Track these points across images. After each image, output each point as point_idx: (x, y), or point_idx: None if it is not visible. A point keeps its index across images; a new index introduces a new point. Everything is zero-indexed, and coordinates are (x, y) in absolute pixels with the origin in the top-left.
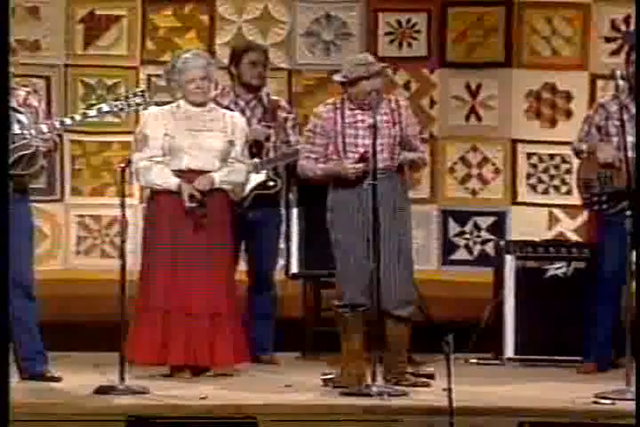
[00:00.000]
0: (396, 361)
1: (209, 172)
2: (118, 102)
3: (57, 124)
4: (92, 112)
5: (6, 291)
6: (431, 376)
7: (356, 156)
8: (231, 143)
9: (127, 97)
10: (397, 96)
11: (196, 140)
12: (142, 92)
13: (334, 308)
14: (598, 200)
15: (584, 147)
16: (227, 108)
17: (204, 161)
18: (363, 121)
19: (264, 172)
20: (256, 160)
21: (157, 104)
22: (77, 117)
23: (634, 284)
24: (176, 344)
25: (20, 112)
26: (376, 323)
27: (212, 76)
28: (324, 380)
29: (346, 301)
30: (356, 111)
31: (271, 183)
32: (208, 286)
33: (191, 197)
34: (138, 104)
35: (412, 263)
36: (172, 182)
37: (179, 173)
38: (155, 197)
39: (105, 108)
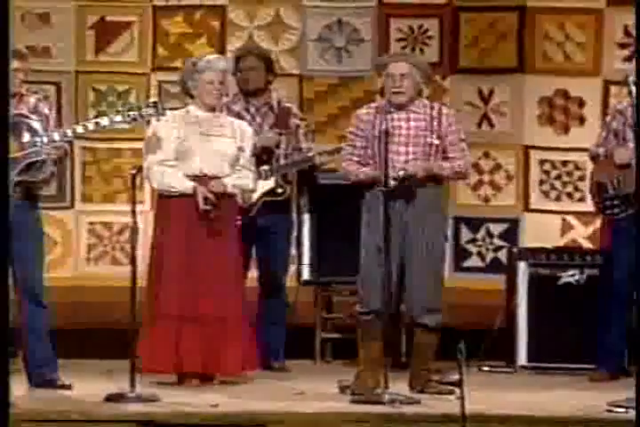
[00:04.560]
0: (420, 369)
1: (219, 177)
2: (131, 113)
3: (69, 133)
4: (105, 121)
5: (6, 293)
6: (456, 384)
7: (399, 171)
8: (240, 149)
9: (140, 107)
10: (442, 103)
11: (207, 144)
12: (155, 102)
13: (356, 314)
14: (611, 204)
15: (601, 151)
16: (238, 114)
17: (216, 166)
18: (400, 127)
19: (273, 178)
20: (265, 168)
21: (171, 110)
22: (90, 126)
23: None
24: (191, 351)
25: (32, 119)
26: (392, 330)
27: (227, 82)
28: (341, 387)
29: (368, 307)
30: (395, 116)
31: (280, 190)
32: (222, 290)
33: (205, 199)
34: (151, 115)
35: (441, 271)
36: (188, 185)
37: (191, 177)
38: (165, 201)
39: (118, 117)
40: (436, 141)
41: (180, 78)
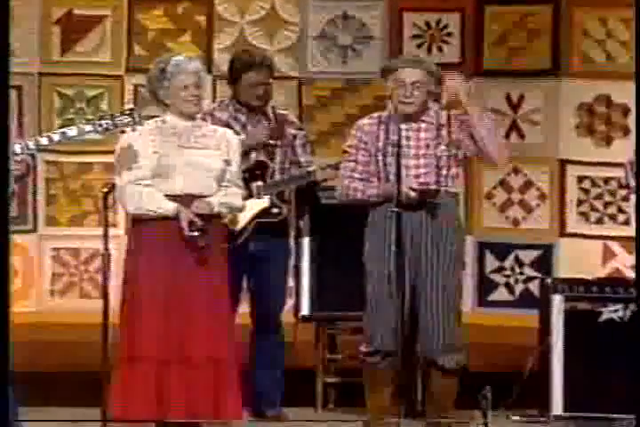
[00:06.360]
0: (437, 418)
1: (205, 196)
2: (103, 122)
3: (31, 145)
4: (73, 132)
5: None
6: None
7: (414, 184)
8: (227, 162)
9: (113, 116)
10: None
11: (190, 158)
12: (131, 110)
13: (361, 355)
14: None
15: (632, 182)
16: (226, 124)
17: (201, 183)
18: (408, 138)
19: (267, 197)
20: (258, 184)
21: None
22: (55, 137)
23: None
24: (174, 398)
25: None
26: (405, 373)
27: (204, 83)
28: None
29: (375, 346)
30: (403, 126)
31: (275, 210)
32: (208, 329)
33: (191, 224)
34: (126, 124)
35: (458, 304)
36: (169, 208)
37: (172, 197)
38: (141, 225)
39: (88, 127)
40: (445, 153)
41: (148, 86)
